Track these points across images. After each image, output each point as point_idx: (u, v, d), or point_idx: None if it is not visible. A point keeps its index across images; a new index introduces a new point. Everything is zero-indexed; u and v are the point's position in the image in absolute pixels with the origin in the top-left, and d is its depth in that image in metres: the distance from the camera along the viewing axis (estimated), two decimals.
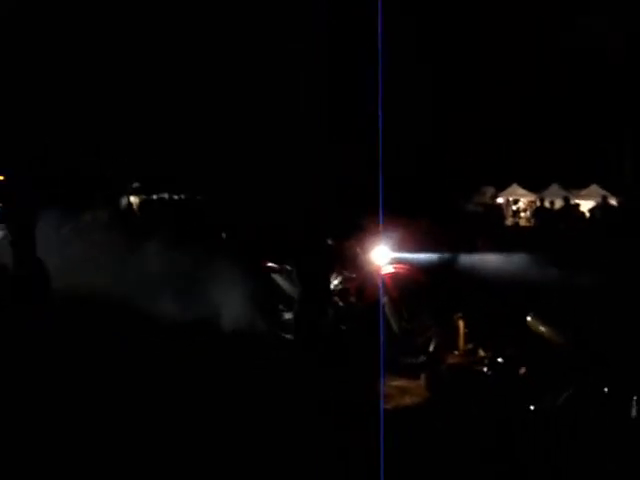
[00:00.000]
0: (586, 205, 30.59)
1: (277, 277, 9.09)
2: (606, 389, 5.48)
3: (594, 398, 5.47)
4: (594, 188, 37.20)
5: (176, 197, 37.23)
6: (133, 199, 37.01)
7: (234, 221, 17.30)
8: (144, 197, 39.12)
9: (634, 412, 5.31)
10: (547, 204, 26.16)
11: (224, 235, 18.27)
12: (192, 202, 32.86)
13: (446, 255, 9.07)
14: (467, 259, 8.70)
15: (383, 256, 8.52)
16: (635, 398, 5.33)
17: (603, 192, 33.72)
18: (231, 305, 9.20)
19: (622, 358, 5.69)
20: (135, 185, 38.19)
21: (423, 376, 7.30)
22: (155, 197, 39.10)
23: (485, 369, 6.80)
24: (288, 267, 8.86)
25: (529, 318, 6.38)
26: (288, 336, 8.67)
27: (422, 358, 7.86)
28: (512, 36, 39.70)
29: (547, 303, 6.69)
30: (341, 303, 8.51)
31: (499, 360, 6.67)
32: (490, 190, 36.99)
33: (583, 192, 37.12)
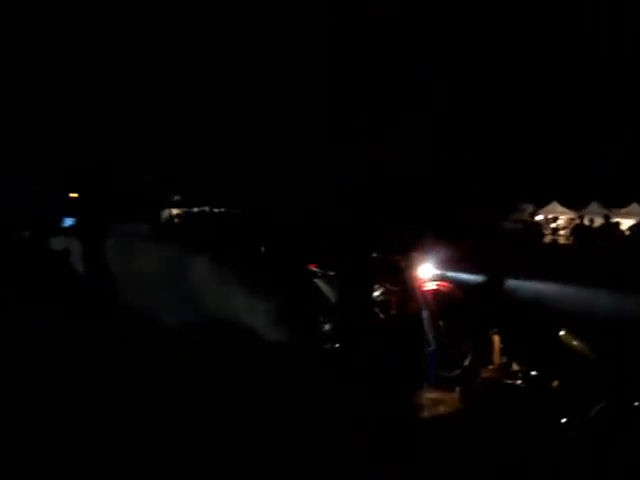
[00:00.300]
0: (626, 223, 30.45)
1: (320, 282, 9.34)
2: (637, 403, 5.68)
3: (625, 412, 5.67)
4: (634, 207, 36.96)
5: (216, 210, 37.72)
6: (175, 212, 37.60)
7: (275, 229, 17.55)
8: (185, 210, 39.68)
9: None
10: (586, 222, 26.11)
11: (263, 248, 18.63)
12: (232, 214, 33.24)
13: (483, 274, 9.27)
14: (503, 278, 8.90)
15: (426, 272, 8.75)
16: None
17: None
18: (273, 313, 9.49)
19: None
20: (176, 198, 38.80)
21: (457, 389, 7.52)
22: (196, 210, 39.62)
23: (519, 383, 7.02)
24: (332, 273, 9.11)
25: (562, 333, 6.58)
26: (327, 346, 8.94)
27: (457, 372, 8.08)
28: (549, 47, 39.62)
29: (580, 319, 6.88)
30: (382, 315, 8.75)
31: (533, 373, 6.89)
32: (529, 208, 36.96)
33: (623, 210, 36.90)
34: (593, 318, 6.79)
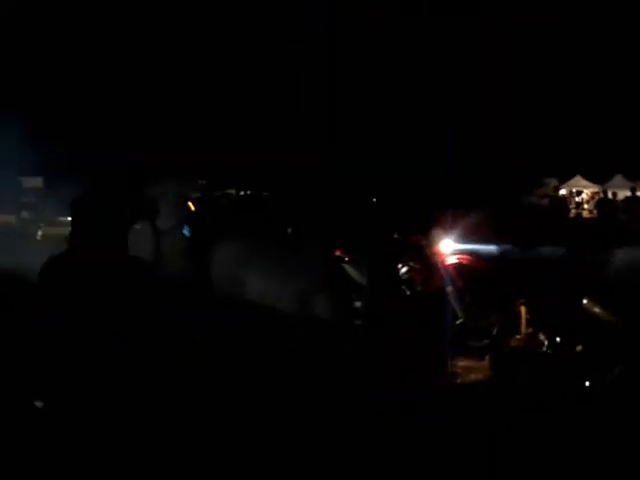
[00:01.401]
0: None
1: (347, 266, 9.67)
2: None
3: None
4: None
5: (242, 193, 38.07)
6: (200, 195, 37.93)
7: (303, 214, 17.78)
8: (211, 193, 40.00)
9: None
10: (610, 195, 26.16)
11: (290, 230, 18.94)
12: (258, 198, 33.55)
13: (509, 246, 9.52)
14: (529, 249, 9.16)
15: (447, 247, 9.05)
16: None
17: None
18: (305, 292, 9.80)
19: None
20: (201, 182, 39.14)
21: (487, 357, 7.84)
22: (222, 193, 39.99)
23: (545, 350, 7.33)
24: (358, 257, 9.42)
25: (585, 301, 6.88)
26: (358, 322, 9.27)
27: (485, 341, 8.39)
28: (564, 25, 39.44)
29: (602, 287, 7.15)
30: (408, 292, 9.07)
31: (557, 339, 7.20)
32: (553, 182, 36.99)
33: None
34: (615, 286, 7.05)
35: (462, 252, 9.03)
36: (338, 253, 9.83)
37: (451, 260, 8.93)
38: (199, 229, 3.44)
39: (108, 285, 3.12)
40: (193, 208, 4.20)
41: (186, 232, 3.20)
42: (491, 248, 9.32)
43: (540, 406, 6.10)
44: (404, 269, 9.17)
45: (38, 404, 3.14)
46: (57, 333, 3.08)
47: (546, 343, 7.43)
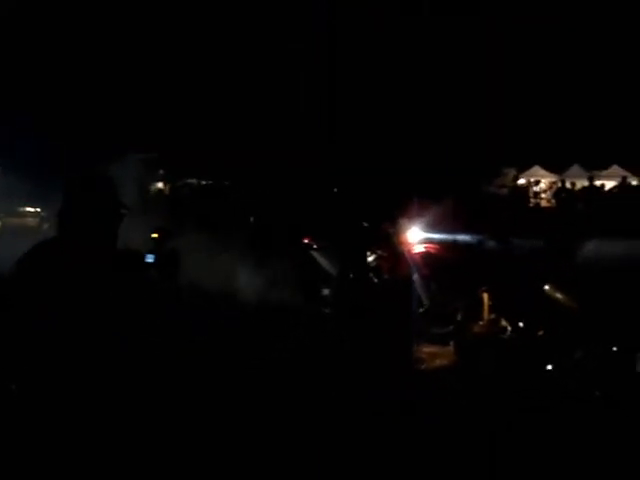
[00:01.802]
0: (608, 185, 30.96)
1: (316, 254, 9.84)
2: (614, 348, 6.23)
3: (604, 355, 6.23)
4: (615, 168, 37.42)
5: (204, 182, 37.93)
6: (161, 185, 37.74)
7: (269, 203, 17.87)
8: (172, 184, 39.78)
9: (638, 367, 6.08)
10: (568, 185, 26.62)
11: (252, 219, 19.06)
12: (220, 187, 33.49)
13: (470, 235, 9.75)
14: (492, 239, 9.41)
15: (414, 236, 9.25)
16: (639, 355, 6.10)
17: (624, 172, 34.04)
18: (274, 281, 9.95)
19: (629, 321, 6.43)
20: (161, 172, 38.89)
21: (452, 343, 8.09)
22: (183, 183, 39.78)
23: (507, 335, 7.60)
24: (326, 245, 9.59)
25: (546, 287, 7.14)
26: (327, 310, 9.45)
27: (450, 328, 8.64)
28: (531, 17, 39.93)
29: (562, 273, 7.41)
30: (375, 279, 9.25)
31: (520, 324, 7.46)
32: (512, 172, 37.40)
33: (604, 172, 37.36)
34: (574, 271, 7.30)
35: (428, 241, 9.25)
36: (306, 241, 9.99)
37: (417, 249, 9.14)
38: (163, 258, 3.47)
39: (95, 274, 3.05)
40: (156, 236, 4.26)
41: (150, 259, 3.24)
42: (456, 237, 9.56)
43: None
44: (372, 257, 9.35)
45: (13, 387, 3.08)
46: (40, 323, 2.99)
47: (509, 328, 7.70)
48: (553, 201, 27.09)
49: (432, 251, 9.08)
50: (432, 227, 9.39)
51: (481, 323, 8.73)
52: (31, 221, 23.87)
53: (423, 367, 7.39)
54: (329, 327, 8.84)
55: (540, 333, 7.09)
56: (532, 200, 32.45)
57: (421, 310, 8.91)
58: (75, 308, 2.99)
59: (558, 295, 7.00)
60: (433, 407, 5.96)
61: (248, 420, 5.78)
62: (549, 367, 6.40)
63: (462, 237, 9.53)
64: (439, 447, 5.27)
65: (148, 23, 33.26)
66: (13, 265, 3.12)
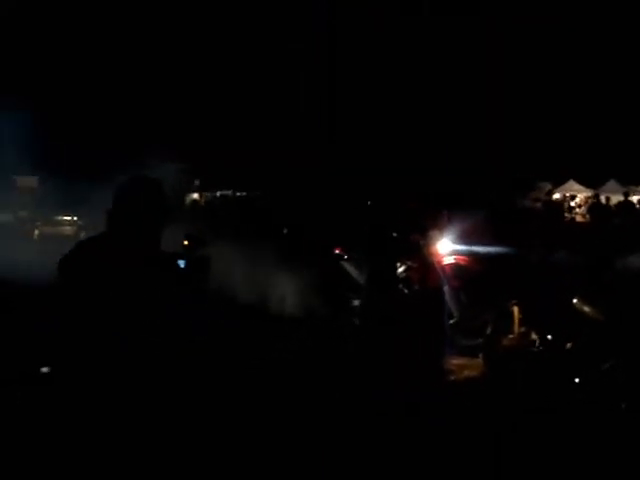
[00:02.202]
0: None
1: (346, 264, 9.92)
2: None
3: (630, 369, 6.23)
4: None
5: (238, 194, 38.25)
6: (196, 196, 38.14)
7: (301, 214, 17.96)
8: (207, 194, 40.16)
9: None
10: (603, 200, 26.44)
11: (285, 230, 19.22)
12: (254, 198, 33.71)
13: (503, 248, 9.76)
14: (520, 252, 9.41)
15: (444, 248, 9.29)
16: None
17: None
18: (304, 291, 10.06)
19: None
20: (197, 183, 39.33)
21: (480, 355, 8.11)
22: (218, 194, 40.16)
23: (536, 349, 7.61)
24: (356, 255, 9.66)
25: (575, 300, 7.15)
26: (356, 320, 9.51)
27: (479, 340, 8.65)
28: (570, 28, 39.72)
29: (590, 287, 7.41)
30: (406, 290, 9.30)
31: (548, 337, 7.47)
32: (547, 186, 37.25)
33: None
34: (604, 285, 7.30)
35: (458, 253, 9.28)
36: (337, 251, 10.07)
37: (448, 260, 9.18)
38: (194, 264, 3.56)
39: (136, 273, 3.16)
40: (187, 243, 4.40)
41: (181, 264, 3.35)
42: (486, 249, 9.57)
43: (539, 407, 6.27)
44: (402, 268, 9.41)
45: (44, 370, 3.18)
46: (80, 314, 3.13)
47: (537, 342, 7.71)
48: (588, 216, 26.91)
49: (462, 263, 9.12)
50: (462, 239, 9.42)
51: (511, 336, 8.74)
52: (68, 229, 24.27)
53: (452, 378, 7.42)
54: (358, 337, 8.91)
55: (568, 346, 7.10)
56: (567, 215, 32.24)
57: (451, 322, 8.95)
58: (113, 302, 3.09)
59: (586, 308, 7.01)
60: (439, 409, 5.98)
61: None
62: (576, 380, 6.42)
63: (492, 249, 9.54)
64: (444, 448, 5.27)
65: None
66: (60, 259, 3.25)
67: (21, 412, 5.54)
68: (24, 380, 6.12)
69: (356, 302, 9.72)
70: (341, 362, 7.46)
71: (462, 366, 7.86)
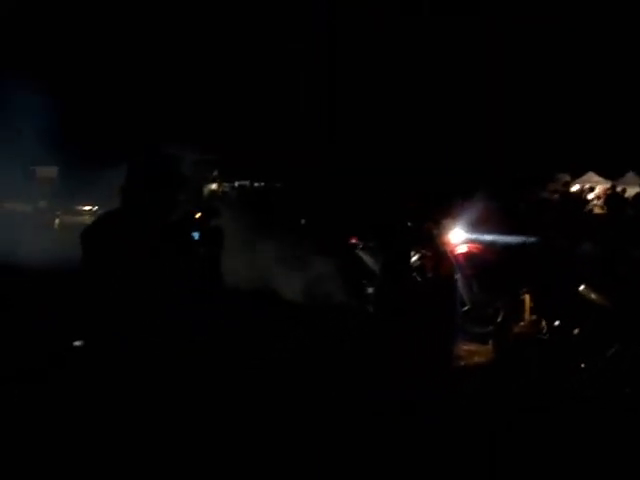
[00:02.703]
0: None
1: (362, 253, 10.10)
2: None
3: (635, 354, 6.38)
4: None
5: (257, 184, 38.42)
6: (215, 187, 38.28)
7: (318, 205, 18.09)
8: (225, 184, 40.32)
9: None
10: (620, 191, 26.37)
11: (303, 221, 19.40)
12: (272, 189, 33.86)
13: (514, 237, 9.89)
14: (532, 241, 9.53)
15: (458, 236, 9.44)
16: None
17: None
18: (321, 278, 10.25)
19: None
20: (215, 174, 39.46)
21: (491, 342, 8.28)
22: (237, 184, 40.32)
23: (545, 336, 7.78)
24: (372, 244, 9.83)
25: (582, 287, 7.30)
26: (370, 308, 9.70)
27: (490, 327, 8.82)
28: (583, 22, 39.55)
29: (597, 275, 7.55)
30: (419, 278, 9.47)
31: (556, 324, 7.64)
32: (565, 177, 37.17)
33: None
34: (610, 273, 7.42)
35: (471, 241, 9.41)
36: (353, 241, 10.25)
37: (461, 249, 9.33)
38: (207, 235, 3.63)
39: (151, 242, 3.30)
40: (200, 214, 4.52)
41: (195, 237, 3.45)
42: (499, 238, 9.70)
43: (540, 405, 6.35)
44: (416, 256, 9.58)
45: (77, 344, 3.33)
46: (103, 284, 3.26)
47: (545, 329, 7.88)
48: (605, 208, 26.83)
49: (475, 251, 9.26)
50: (476, 228, 9.56)
51: (522, 324, 8.91)
52: (88, 219, 24.45)
53: (462, 364, 7.59)
54: (371, 325, 9.09)
55: (575, 332, 7.25)
56: (586, 206, 32.13)
57: (463, 309, 9.11)
58: (132, 272, 3.23)
59: (593, 295, 7.16)
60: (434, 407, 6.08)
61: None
62: (582, 365, 6.57)
63: (506, 239, 9.67)
64: (439, 447, 5.38)
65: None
66: (81, 231, 3.41)
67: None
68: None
69: (370, 290, 9.91)
70: (347, 356, 7.54)
71: (472, 352, 8.02)
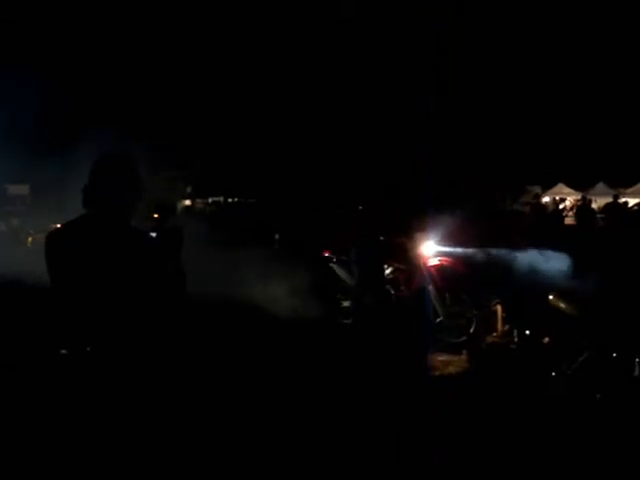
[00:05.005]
0: (633, 203, 31.15)
1: (336, 267, 10.21)
2: (614, 354, 6.55)
3: (604, 361, 6.54)
4: None
5: (230, 200, 38.55)
6: (189, 202, 38.39)
7: (292, 220, 18.18)
8: (199, 201, 40.39)
9: (637, 372, 6.41)
10: (589, 202, 26.84)
11: (277, 236, 19.53)
12: (246, 204, 33.96)
13: (486, 249, 10.08)
14: (503, 252, 9.71)
15: (430, 249, 9.61)
16: (637, 360, 6.42)
17: None
18: (295, 292, 10.35)
19: (629, 328, 6.74)
20: (189, 190, 39.59)
21: (464, 352, 8.42)
22: (210, 200, 40.41)
23: (515, 345, 7.97)
24: (345, 258, 9.96)
25: (551, 297, 7.48)
26: (346, 321, 9.82)
27: (463, 338, 8.97)
28: (557, 33, 40.11)
29: (566, 284, 7.72)
30: (392, 291, 9.62)
31: (527, 332, 7.81)
32: (536, 189, 37.66)
33: (629, 190, 37.56)
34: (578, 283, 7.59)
35: (443, 254, 9.57)
36: (327, 254, 10.36)
37: (433, 262, 9.48)
38: (165, 235, 3.64)
39: (112, 249, 3.26)
40: (157, 215, 4.53)
41: (152, 236, 3.47)
42: (471, 251, 9.88)
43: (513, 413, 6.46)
44: (389, 270, 9.72)
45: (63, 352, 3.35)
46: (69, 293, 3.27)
47: (516, 337, 8.06)
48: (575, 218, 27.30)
49: (447, 264, 9.41)
50: (448, 241, 9.73)
51: (494, 334, 9.10)
52: None
53: (436, 374, 7.70)
54: (348, 337, 9.22)
55: (545, 341, 7.43)
56: (556, 217, 32.61)
57: (436, 321, 9.26)
58: (96, 278, 3.23)
59: (561, 304, 7.33)
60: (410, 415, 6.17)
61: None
62: (553, 373, 6.71)
63: (477, 251, 9.86)
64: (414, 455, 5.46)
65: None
66: (46, 235, 3.44)
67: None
68: None
69: (345, 303, 10.03)
70: (323, 368, 7.63)
71: (446, 362, 8.14)
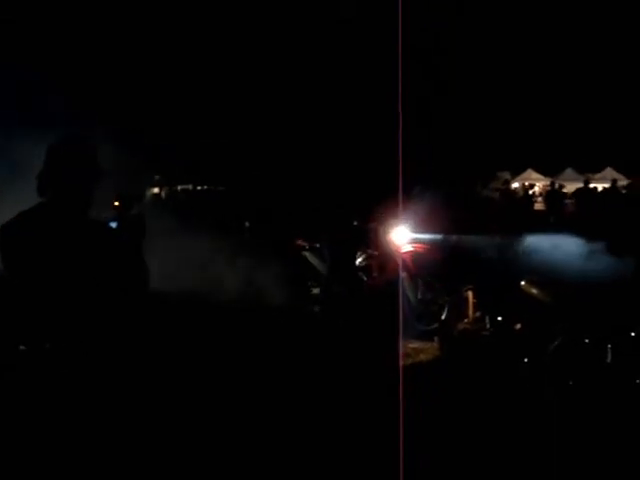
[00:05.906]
0: (600, 188, 31.42)
1: (308, 254, 10.12)
2: (586, 340, 6.55)
3: (576, 347, 6.54)
4: (609, 171, 37.86)
5: (199, 188, 38.19)
6: (157, 190, 37.95)
7: (263, 206, 18.01)
8: (168, 188, 39.96)
9: (609, 358, 6.42)
10: (559, 188, 27.00)
11: (247, 224, 19.35)
12: (215, 192, 33.68)
13: (458, 235, 10.05)
14: (475, 239, 9.69)
15: (402, 236, 9.54)
16: (609, 346, 6.43)
17: (618, 175, 34.41)
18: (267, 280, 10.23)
19: (601, 315, 6.74)
20: (157, 177, 39.10)
21: (436, 339, 8.39)
22: (179, 188, 40.01)
23: (487, 332, 7.96)
24: (318, 245, 9.88)
25: (523, 282, 7.46)
26: (316, 309, 9.75)
27: (435, 325, 8.94)
28: (528, 19, 40.25)
29: (538, 270, 7.70)
30: (365, 278, 9.57)
31: (499, 319, 7.80)
32: (506, 175, 37.82)
33: (598, 175, 37.85)
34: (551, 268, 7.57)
35: (416, 241, 9.52)
36: (299, 242, 10.27)
37: (406, 248, 9.43)
38: (127, 224, 3.53)
39: (69, 240, 3.16)
40: (117, 203, 4.40)
41: (113, 225, 3.35)
42: (443, 237, 9.84)
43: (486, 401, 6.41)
44: (362, 257, 9.66)
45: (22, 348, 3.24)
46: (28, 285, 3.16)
47: (488, 324, 8.05)
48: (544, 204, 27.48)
49: (419, 251, 9.36)
50: (420, 227, 9.68)
51: (466, 320, 9.08)
52: None
53: (409, 361, 7.66)
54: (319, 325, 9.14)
55: (517, 327, 7.41)
56: (526, 203, 32.77)
57: (409, 307, 9.21)
58: (53, 271, 3.12)
59: (533, 290, 7.31)
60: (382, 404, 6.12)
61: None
62: (525, 360, 6.70)
63: (449, 237, 9.82)
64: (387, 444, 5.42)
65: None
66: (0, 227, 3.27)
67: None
68: None
69: (316, 291, 9.95)
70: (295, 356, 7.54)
71: (418, 350, 8.10)
